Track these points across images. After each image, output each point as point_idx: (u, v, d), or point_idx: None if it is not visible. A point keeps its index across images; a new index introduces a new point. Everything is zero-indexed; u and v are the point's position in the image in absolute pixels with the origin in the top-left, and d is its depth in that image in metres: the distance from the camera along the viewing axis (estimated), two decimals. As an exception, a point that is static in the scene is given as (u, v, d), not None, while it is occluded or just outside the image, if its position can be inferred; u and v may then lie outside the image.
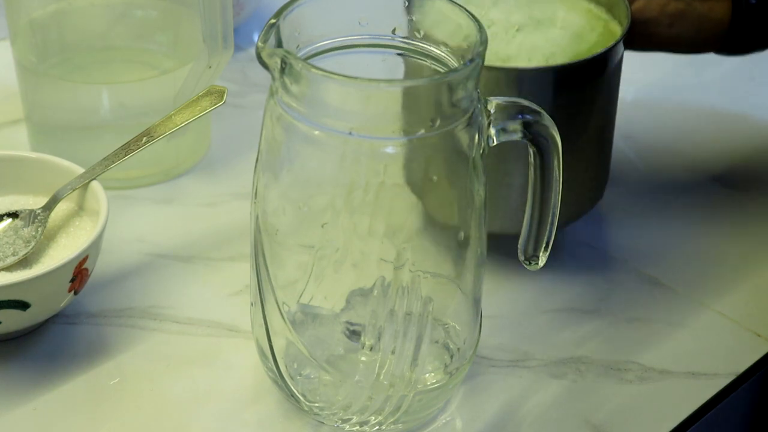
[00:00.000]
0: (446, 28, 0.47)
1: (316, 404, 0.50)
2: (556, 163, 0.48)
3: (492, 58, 0.54)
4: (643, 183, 0.69)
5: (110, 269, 0.59)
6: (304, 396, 0.50)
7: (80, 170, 0.58)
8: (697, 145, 0.73)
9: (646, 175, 0.70)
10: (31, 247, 0.55)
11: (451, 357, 0.50)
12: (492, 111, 0.47)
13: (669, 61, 0.82)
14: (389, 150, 0.44)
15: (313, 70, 0.43)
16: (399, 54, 0.48)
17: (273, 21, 0.45)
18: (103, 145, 0.62)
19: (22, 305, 0.52)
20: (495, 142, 0.47)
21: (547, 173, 0.48)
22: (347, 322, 0.49)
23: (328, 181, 0.46)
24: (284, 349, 0.49)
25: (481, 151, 0.47)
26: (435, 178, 0.46)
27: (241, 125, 0.72)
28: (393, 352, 0.47)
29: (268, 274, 0.48)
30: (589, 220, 0.65)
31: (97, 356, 0.54)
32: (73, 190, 0.57)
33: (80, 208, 0.58)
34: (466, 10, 0.46)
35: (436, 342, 0.50)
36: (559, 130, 0.47)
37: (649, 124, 0.75)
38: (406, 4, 0.47)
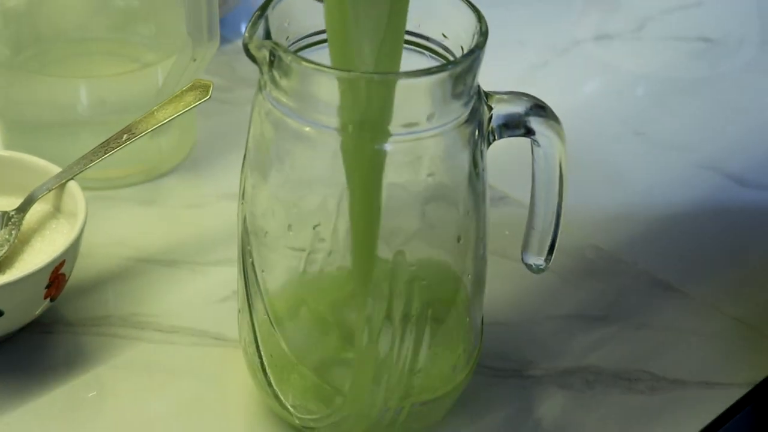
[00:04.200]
0: (444, 19, 0.47)
1: (309, 417, 0.50)
2: (560, 160, 0.48)
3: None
4: (654, 181, 0.69)
5: (89, 275, 0.59)
6: (295, 409, 0.50)
7: (57, 169, 0.58)
8: (711, 142, 0.73)
9: (657, 173, 0.70)
10: (4, 251, 0.56)
11: (452, 366, 0.50)
12: (493, 105, 0.47)
13: (682, 53, 0.82)
14: (384, 147, 0.44)
15: (304, 63, 0.43)
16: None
17: (261, 11, 0.45)
18: (81, 142, 0.62)
19: (-4, 313, 0.52)
20: (496, 139, 0.47)
21: (551, 171, 0.49)
22: (341, 330, 0.50)
23: (320, 181, 0.46)
24: (274, 358, 0.49)
25: (482, 147, 0.47)
26: (433, 176, 0.46)
27: (228, 122, 0.72)
28: (390, 361, 0.47)
29: (257, 279, 0.48)
30: (598, 221, 0.65)
31: (75, 367, 0.54)
32: (49, 191, 0.57)
33: (57, 210, 0.58)
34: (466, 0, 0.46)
35: (435, 350, 0.50)
36: None
37: (661, 119, 0.75)
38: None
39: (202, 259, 0.61)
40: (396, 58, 0.45)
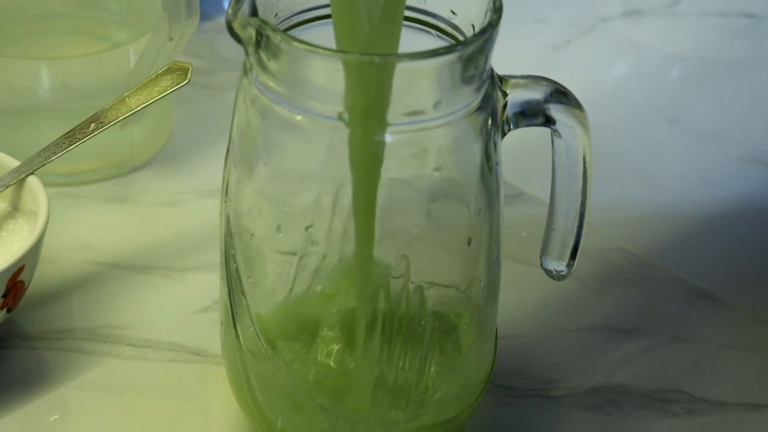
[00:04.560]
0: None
1: (300, 443, 0.50)
2: (584, 152, 0.48)
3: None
4: (691, 176, 0.69)
5: (51, 282, 0.60)
6: (285, 433, 0.50)
7: (15, 163, 0.58)
8: (755, 131, 0.73)
9: (694, 167, 0.70)
10: (-44, 255, 0.56)
11: (461, 385, 0.50)
12: (508, 91, 0.47)
13: (722, 30, 0.82)
14: (386, 138, 0.45)
15: (295, 43, 0.43)
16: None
17: (246, -16, 0.45)
18: (42, 132, 0.62)
19: (-53, 325, 0.52)
20: (512, 128, 0.48)
21: (574, 165, 0.49)
22: (337, 346, 0.50)
23: (314, 176, 0.46)
24: (262, 377, 0.50)
25: (496, 138, 0.47)
26: (440, 170, 0.46)
27: (209, 109, 0.72)
28: (392, 380, 0.48)
29: (242, 287, 0.49)
30: (627, 221, 0.65)
31: (35, 386, 0.54)
32: (7, 187, 0.58)
33: (15, 209, 0.58)
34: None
35: (443, 367, 0.50)
36: None
37: (698, 105, 0.75)
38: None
39: (179, 265, 0.61)
40: (394, 38, 0.45)
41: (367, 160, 0.45)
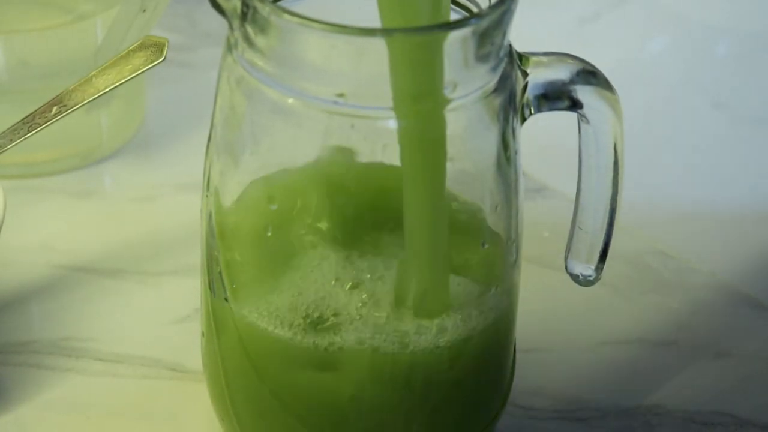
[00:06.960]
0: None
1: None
2: (615, 141, 0.49)
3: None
4: (738, 167, 0.70)
5: (7, 288, 0.60)
6: (275, 461, 0.51)
7: (-33, 152, 0.59)
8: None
9: (742, 157, 0.70)
10: None
11: (475, 405, 0.51)
12: (529, 71, 0.47)
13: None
14: (390, 124, 0.45)
15: (286, 16, 0.43)
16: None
17: (230, -51, 0.46)
18: (-3, 117, 0.62)
19: None
20: (533, 113, 0.48)
21: (603, 155, 0.49)
22: (335, 363, 0.50)
23: (308, 168, 0.47)
24: (248, 395, 0.50)
25: (515, 125, 0.47)
26: (452, 161, 0.46)
27: (188, 90, 0.72)
28: (397, 399, 0.48)
29: (226, 294, 0.49)
30: (664, 219, 0.65)
31: (-9, 407, 0.55)
32: (-42, 180, 0.58)
33: (-33, 205, 0.59)
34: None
35: (454, 384, 0.50)
36: None
37: (748, 87, 0.75)
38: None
39: (154, 268, 0.62)
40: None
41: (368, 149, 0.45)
